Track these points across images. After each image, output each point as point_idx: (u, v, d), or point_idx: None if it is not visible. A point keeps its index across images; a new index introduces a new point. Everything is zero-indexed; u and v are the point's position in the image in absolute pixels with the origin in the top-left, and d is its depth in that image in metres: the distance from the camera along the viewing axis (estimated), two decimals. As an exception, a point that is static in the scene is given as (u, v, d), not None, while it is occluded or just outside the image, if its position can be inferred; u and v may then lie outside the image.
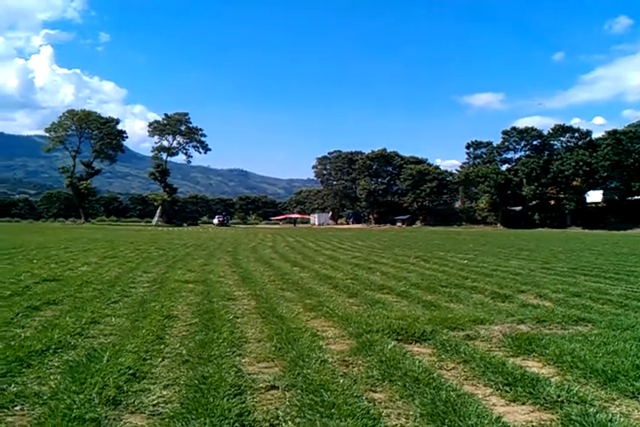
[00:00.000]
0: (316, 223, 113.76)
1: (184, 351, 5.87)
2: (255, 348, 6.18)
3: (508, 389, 4.83)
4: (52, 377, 4.99)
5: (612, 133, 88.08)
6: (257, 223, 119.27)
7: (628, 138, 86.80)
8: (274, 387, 4.83)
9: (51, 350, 5.86)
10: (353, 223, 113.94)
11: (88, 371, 5.06)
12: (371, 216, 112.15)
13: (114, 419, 4.09)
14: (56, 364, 5.42)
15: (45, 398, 4.46)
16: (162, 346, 6.12)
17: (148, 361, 5.52)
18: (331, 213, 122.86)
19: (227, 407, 4.18)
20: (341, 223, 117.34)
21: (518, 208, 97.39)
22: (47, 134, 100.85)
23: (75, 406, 4.20)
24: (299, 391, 4.64)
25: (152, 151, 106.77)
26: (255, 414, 4.18)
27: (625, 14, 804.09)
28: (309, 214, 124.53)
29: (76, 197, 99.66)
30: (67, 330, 6.75)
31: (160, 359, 5.61)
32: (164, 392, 4.66)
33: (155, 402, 4.43)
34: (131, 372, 5.09)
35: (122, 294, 10.03)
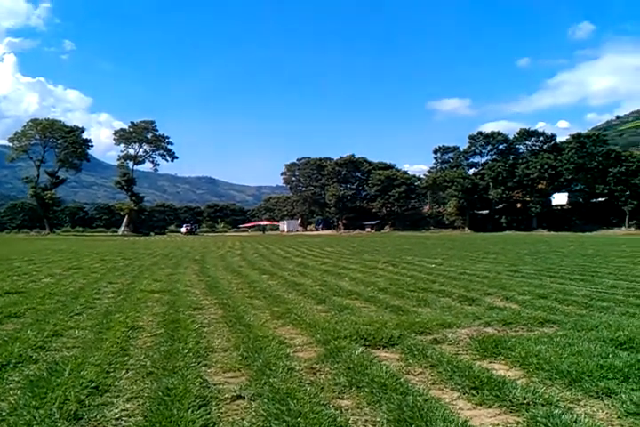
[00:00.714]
0: (286, 230, 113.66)
1: (148, 363, 5.77)
2: (221, 357, 6.10)
3: (474, 392, 4.83)
4: (11, 392, 4.86)
5: (576, 137, 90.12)
6: (226, 231, 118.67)
7: (592, 141, 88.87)
8: (240, 397, 4.76)
9: (11, 365, 5.71)
10: (322, 229, 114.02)
11: (49, 385, 4.93)
12: (340, 222, 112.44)
13: (74, 434, 3.99)
14: (16, 378, 5.28)
15: (4, 414, 4.33)
16: (126, 358, 6.01)
17: (112, 374, 5.40)
18: (300, 219, 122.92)
19: (191, 419, 4.11)
20: (311, 230, 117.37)
21: (485, 212, 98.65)
22: (10, 144, 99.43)
23: (34, 422, 4.09)
24: (265, 401, 4.57)
25: (118, 160, 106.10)
26: (220, 426, 4.12)
27: (587, 20, 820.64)
28: (279, 221, 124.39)
29: (41, 208, 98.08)
30: (28, 344, 6.59)
31: (124, 372, 5.49)
32: (128, 405, 4.56)
33: (117, 416, 4.33)
34: (93, 385, 4.97)
35: (86, 305, 9.85)
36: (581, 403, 4.60)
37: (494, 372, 5.41)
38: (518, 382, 5.10)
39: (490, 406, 4.55)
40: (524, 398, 4.58)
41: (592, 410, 4.43)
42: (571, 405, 4.54)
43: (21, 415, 4.24)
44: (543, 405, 4.46)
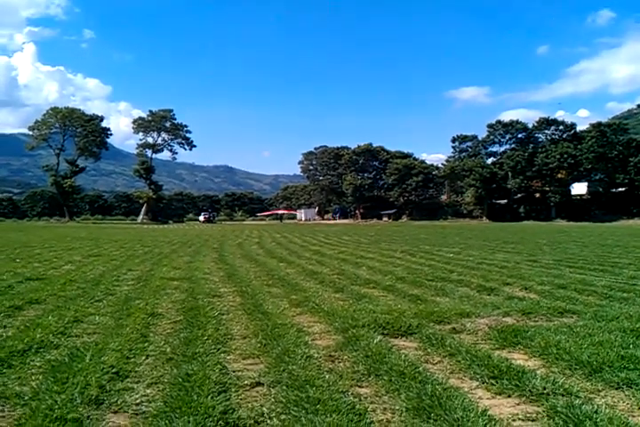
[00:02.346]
0: (303, 219, 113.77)
1: (168, 349, 5.81)
2: (240, 344, 6.13)
3: (493, 382, 4.82)
4: (33, 377, 4.92)
5: (597, 126, 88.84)
6: (243, 220, 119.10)
7: (612, 130, 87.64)
8: (259, 384, 4.78)
9: (32, 350, 5.77)
10: (339, 218, 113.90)
11: (70, 370, 4.99)
12: (357, 211, 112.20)
13: (96, 419, 4.02)
14: (38, 364, 5.34)
15: (27, 398, 4.38)
16: (146, 344, 6.05)
17: (132, 360, 5.45)
18: (317, 208, 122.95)
19: (211, 405, 4.13)
20: (328, 219, 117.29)
21: (504, 201, 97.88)
22: (31, 132, 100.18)
23: (56, 407, 4.13)
24: (284, 388, 4.59)
25: (137, 148, 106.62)
26: (240, 412, 4.13)
27: (607, 8, 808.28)
28: (296, 210, 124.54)
29: (61, 196, 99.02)
30: (49, 329, 6.66)
31: (144, 358, 5.54)
32: (148, 391, 4.60)
33: (138, 401, 4.37)
34: (114, 371, 5.02)
35: (106, 292, 9.93)
36: (602, 393, 4.57)
37: (513, 361, 5.39)
38: (538, 371, 5.07)
39: (509, 396, 4.53)
40: (544, 388, 4.56)
41: (613, 401, 4.41)
42: (591, 395, 4.51)
43: (43, 400, 4.29)
44: (563, 395, 4.45)
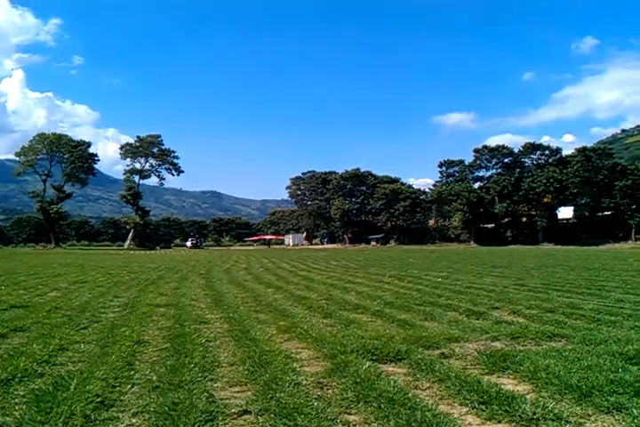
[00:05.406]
0: (291, 244, 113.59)
1: (154, 377, 5.73)
2: (227, 372, 6.06)
3: (483, 407, 4.78)
4: (16, 407, 4.84)
5: (582, 151, 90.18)
6: (231, 245, 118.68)
7: (597, 155, 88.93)
8: (246, 412, 4.72)
9: (16, 379, 5.68)
10: (327, 243, 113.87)
11: (54, 400, 4.90)
12: (345, 236, 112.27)
13: (80, 450, 3.95)
14: (21, 393, 5.25)
15: (9, 429, 4.30)
16: (132, 372, 5.97)
17: (117, 388, 5.37)
18: (305, 233, 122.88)
19: (197, 434, 4.07)
20: (316, 243, 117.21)
21: (491, 225, 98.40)
22: (17, 158, 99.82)
23: (39, 438, 4.06)
24: (272, 416, 4.54)
25: (124, 174, 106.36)
26: (227, 441, 4.08)
27: (591, 35, 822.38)
28: (284, 235, 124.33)
29: (47, 222, 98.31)
30: (33, 358, 6.57)
31: (129, 386, 5.46)
32: (133, 420, 4.53)
33: (123, 431, 4.30)
34: (99, 400, 4.94)
35: (91, 319, 9.83)
36: (592, 418, 4.55)
37: (503, 386, 5.36)
38: (527, 396, 5.05)
39: (499, 422, 4.50)
40: (534, 413, 4.53)
41: (603, 425, 4.39)
42: (581, 420, 4.49)
43: (27, 430, 4.22)
44: (553, 420, 4.42)
